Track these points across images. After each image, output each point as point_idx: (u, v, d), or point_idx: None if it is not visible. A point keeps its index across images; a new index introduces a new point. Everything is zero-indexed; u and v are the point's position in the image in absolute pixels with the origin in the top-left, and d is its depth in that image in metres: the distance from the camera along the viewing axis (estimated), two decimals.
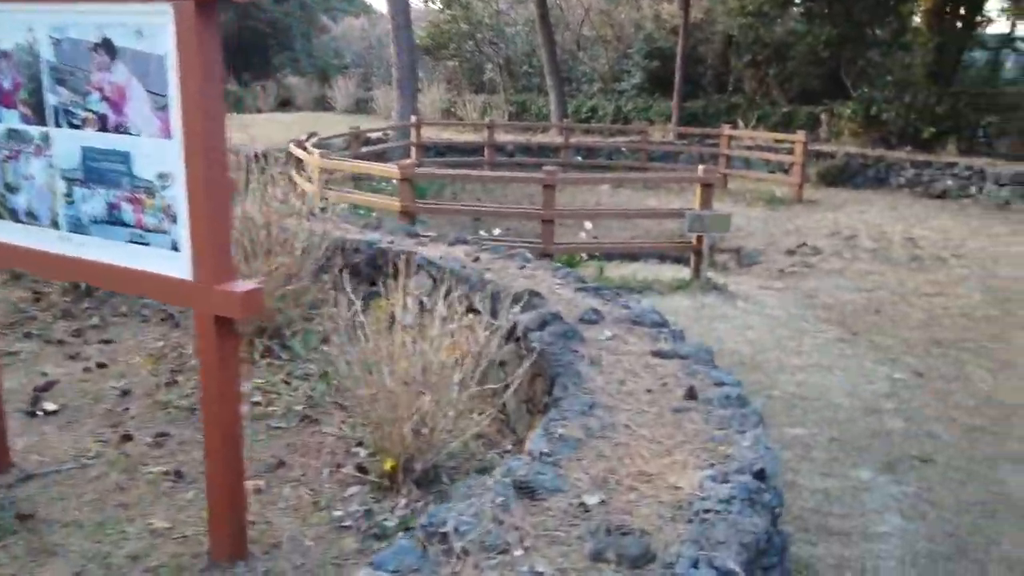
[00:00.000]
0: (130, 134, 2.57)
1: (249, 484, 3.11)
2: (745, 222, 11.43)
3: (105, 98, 2.59)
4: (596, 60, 23.22)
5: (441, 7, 26.20)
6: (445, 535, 2.05)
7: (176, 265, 2.58)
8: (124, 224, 2.67)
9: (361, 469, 3.36)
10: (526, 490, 2.30)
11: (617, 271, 8.79)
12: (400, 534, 2.64)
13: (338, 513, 3.08)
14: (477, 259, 5.18)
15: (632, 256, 9.87)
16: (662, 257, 10.00)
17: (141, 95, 2.51)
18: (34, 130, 2.80)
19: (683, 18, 17.74)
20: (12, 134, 2.87)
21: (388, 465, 3.19)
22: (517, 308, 3.71)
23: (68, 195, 2.78)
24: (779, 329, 6.62)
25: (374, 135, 15.92)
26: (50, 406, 3.92)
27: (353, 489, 3.25)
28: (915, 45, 17.19)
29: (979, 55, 18.37)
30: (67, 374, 4.33)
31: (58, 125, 2.73)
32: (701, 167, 8.60)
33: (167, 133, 2.48)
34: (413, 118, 15.94)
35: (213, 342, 2.55)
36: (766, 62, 18.62)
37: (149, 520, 3.00)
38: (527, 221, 9.93)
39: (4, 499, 3.09)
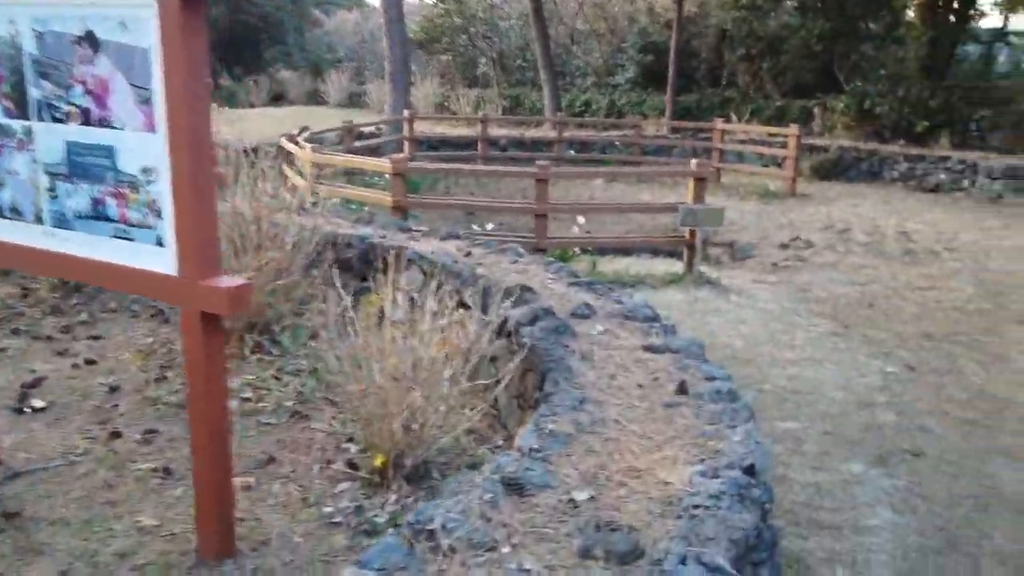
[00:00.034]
0: (114, 128, 2.54)
1: (238, 481, 3.09)
2: (738, 216, 11.42)
3: (88, 91, 2.56)
4: (590, 54, 23.17)
5: (434, 1, 26.13)
6: (432, 532, 2.04)
7: (161, 261, 2.56)
8: (108, 219, 2.64)
9: (351, 465, 3.35)
10: (515, 486, 2.29)
11: (610, 265, 8.78)
12: (390, 530, 2.62)
13: (328, 509, 3.07)
14: (469, 254, 5.16)
15: (625, 250, 9.84)
16: (655, 251, 9.96)
17: (125, 88, 2.48)
18: (17, 124, 2.76)
19: (677, 12, 17.69)
20: None
21: (378, 461, 3.18)
22: (508, 303, 3.70)
23: (52, 190, 2.75)
24: (772, 323, 6.62)
25: (367, 129, 15.84)
26: (38, 403, 3.90)
27: (343, 485, 3.23)
28: (908, 39, 17.20)
29: (972, 49, 18.38)
30: (55, 370, 4.30)
31: (41, 119, 2.70)
32: (694, 161, 8.58)
33: (151, 127, 2.46)
34: (406, 112, 15.88)
35: (199, 338, 2.53)
36: (760, 56, 18.60)
37: (137, 517, 2.98)
38: (520, 215, 9.89)
39: None
